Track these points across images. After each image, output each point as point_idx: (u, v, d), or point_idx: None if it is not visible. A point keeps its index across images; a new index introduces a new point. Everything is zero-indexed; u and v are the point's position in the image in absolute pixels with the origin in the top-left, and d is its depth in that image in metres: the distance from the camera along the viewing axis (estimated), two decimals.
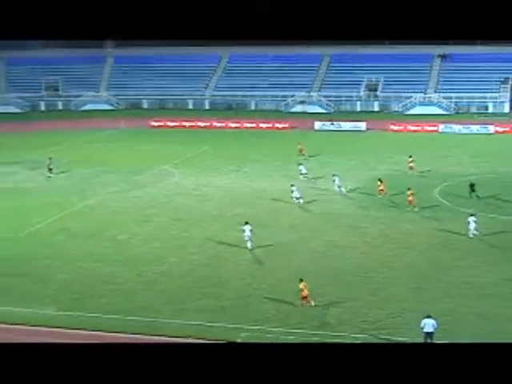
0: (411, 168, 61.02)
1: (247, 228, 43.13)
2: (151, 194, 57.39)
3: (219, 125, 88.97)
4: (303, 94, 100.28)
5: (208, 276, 39.24)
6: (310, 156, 67.49)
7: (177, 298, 36.27)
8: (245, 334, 31.75)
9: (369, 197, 54.24)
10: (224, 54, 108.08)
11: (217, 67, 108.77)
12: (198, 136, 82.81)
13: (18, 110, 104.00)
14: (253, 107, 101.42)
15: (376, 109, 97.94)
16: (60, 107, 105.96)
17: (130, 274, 39.80)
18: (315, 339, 30.70)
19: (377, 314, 33.94)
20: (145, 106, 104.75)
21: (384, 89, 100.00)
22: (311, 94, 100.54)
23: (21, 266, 41.36)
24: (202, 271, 40.00)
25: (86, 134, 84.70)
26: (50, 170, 64.33)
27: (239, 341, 30.70)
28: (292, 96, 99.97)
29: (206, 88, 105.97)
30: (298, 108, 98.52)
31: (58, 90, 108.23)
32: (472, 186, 52.73)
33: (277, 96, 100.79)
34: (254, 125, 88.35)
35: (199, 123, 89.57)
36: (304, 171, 59.93)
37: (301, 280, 34.96)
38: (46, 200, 55.76)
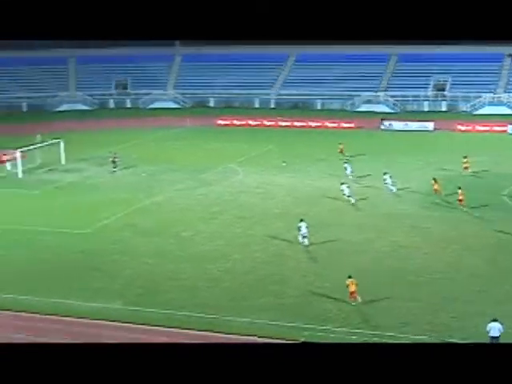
0: (466, 168, 60.65)
1: (303, 225, 43.49)
2: (216, 191, 57.89)
3: (285, 124, 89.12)
4: (370, 93, 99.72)
5: (271, 274, 39.44)
6: (350, 156, 67.23)
7: (240, 296, 36.55)
8: (307, 332, 31.83)
9: (426, 197, 54.03)
10: (291, 53, 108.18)
11: (284, 66, 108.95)
12: (263, 135, 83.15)
13: (87, 108, 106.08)
14: (319, 106, 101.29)
15: (444, 109, 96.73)
16: (128, 105, 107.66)
17: (195, 270, 40.26)
18: (375, 339, 30.58)
19: (439, 316, 33.62)
20: (211, 104, 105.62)
21: (452, 88, 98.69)
22: (378, 93, 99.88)
23: (90, 260, 42.24)
24: (264, 269, 40.22)
25: (153, 131, 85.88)
26: (114, 163, 65.72)
27: (302, 340, 30.80)
28: (358, 95, 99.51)
29: (272, 87, 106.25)
30: (364, 107, 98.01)
31: (126, 88, 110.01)
32: None
33: (343, 95, 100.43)
34: (319, 124, 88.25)
35: (265, 122, 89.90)
36: (349, 170, 60.25)
37: (349, 276, 35.22)
38: (114, 196, 56.79)
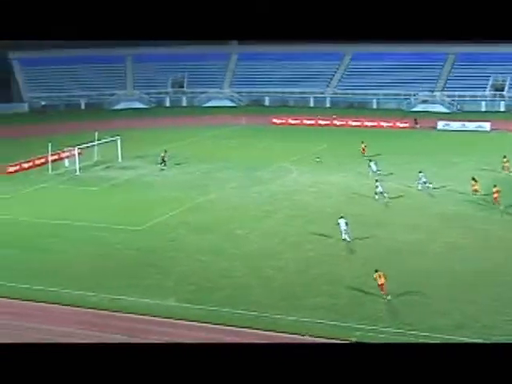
0: (507, 168, 61.16)
1: (342, 221, 44.64)
2: (270, 190, 58.13)
3: (340, 123, 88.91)
4: (426, 93, 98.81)
5: (323, 273, 39.51)
6: (370, 156, 67.44)
7: (293, 295, 36.69)
8: (358, 333, 31.85)
9: (472, 197, 53.76)
10: (347, 52, 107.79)
11: (339, 65, 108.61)
12: (318, 134, 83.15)
13: (143, 106, 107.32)
14: (374, 106, 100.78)
15: (502, 109, 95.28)
16: (184, 103, 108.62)
17: (248, 268, 40.56)
18: (425, 340, 30.35)
19: (495, 319, 33.26)
20: (266, 103, 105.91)
21: (511, 89, 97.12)
22: (434, 93, 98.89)
23: (145, 257, 42.83)
24: (317, 268, 40.31)
25: (208, 130, 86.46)
26: (164, 162, 66.77)
27: (353, 340, 30.84)
28: (415, 95, 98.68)
29: (327, 86, 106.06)
30: (421, 107, 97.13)
31: (183, 86, 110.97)
32: None
33: (399, 95, 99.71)
34: (375, 123, 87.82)
35: (320, 121, 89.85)
36: (374, 168, 61.40)
37: (376, 271, 36.10)
38: (168, 194, 57.44)
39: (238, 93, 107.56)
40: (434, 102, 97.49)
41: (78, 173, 65.46)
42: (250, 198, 55.65)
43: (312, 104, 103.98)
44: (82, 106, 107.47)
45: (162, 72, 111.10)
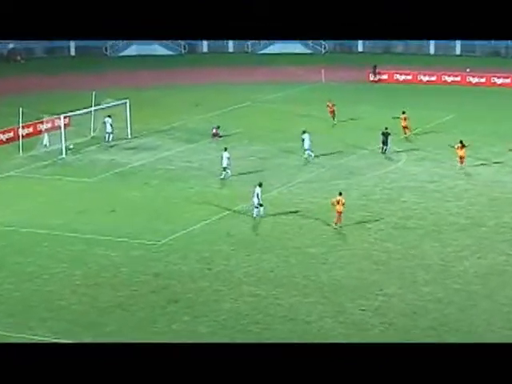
0: (405, 128, 69.35)
1: (258, 190, 51.90)
2: (363, 186, 57.97)
3: (476, 80, 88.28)
4: None
5: (449, 320, 39.10)
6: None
7: None
8: None
9: None
10: None
11: None
12: (440, 97, 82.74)
13: (167, 52, 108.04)
14: None
15: None
16: (231, 49, 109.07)
17: (326, 307, 40.38)
18: None
19: None
20: (359, 48, 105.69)
21: None
22: None
23: (167, 288, 42.88)
24: (438, 311, 39.95)
25: (268, 90, 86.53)
26: (220, 136, 69.46)
27: None
28: None
29: None
30: None
31: None
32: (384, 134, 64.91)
33: None
34: None
35: (444, 77, 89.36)
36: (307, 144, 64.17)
37: (340, 193, 49.60)
38: (205, 189, 57.66)
39: None
40: None
41: (63, 155, 66.23)
42: (329, 199, 55.35)
43: (432, 50, 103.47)
44: (72, 52, 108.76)
45: None
